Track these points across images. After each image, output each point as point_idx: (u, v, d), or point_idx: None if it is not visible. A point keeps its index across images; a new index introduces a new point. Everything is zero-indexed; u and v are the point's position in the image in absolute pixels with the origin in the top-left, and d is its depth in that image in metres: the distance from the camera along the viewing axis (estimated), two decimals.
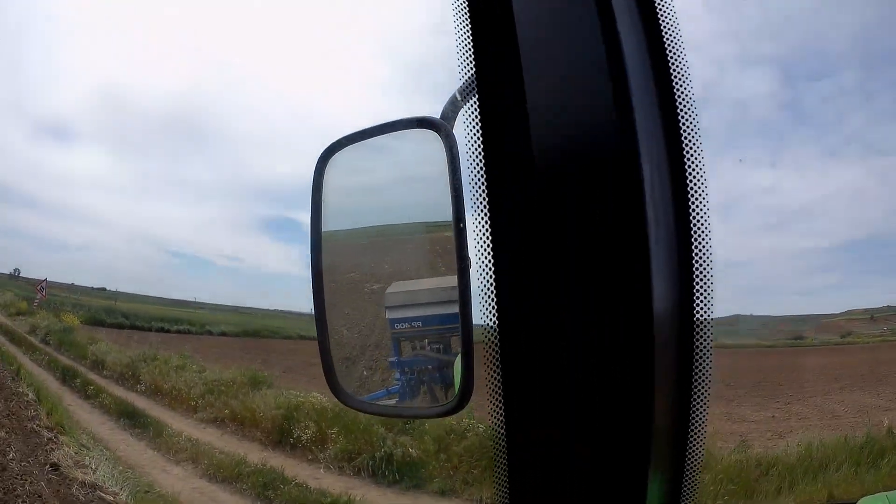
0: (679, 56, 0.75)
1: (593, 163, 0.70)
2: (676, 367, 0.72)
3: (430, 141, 1.11)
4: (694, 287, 0.72)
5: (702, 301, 0.72)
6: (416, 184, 1.30)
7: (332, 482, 9.64)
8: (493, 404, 0.72)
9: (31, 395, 13.57)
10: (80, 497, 8.51)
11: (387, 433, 10.05)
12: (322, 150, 1.27)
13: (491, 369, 0.72)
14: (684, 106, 0.74)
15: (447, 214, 1.10)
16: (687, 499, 0.77)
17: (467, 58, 0.76)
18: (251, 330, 27.84)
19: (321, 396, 11.19)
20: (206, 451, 10.89)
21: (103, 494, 8.79)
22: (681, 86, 0.75)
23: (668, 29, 0.75)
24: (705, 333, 0.72)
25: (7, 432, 10.51)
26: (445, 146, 1.09)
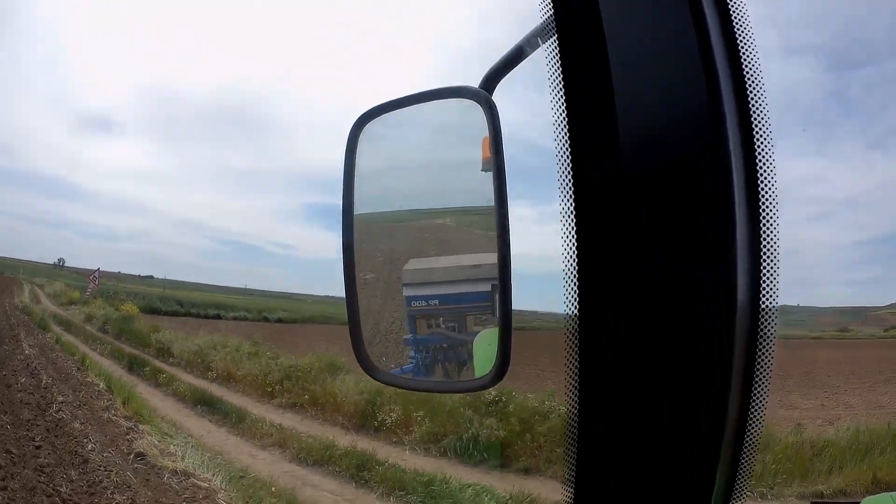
0: (753, 46, 0.73)
1: (685, 149, 0.69)
2: (745, 359, 0.71)
3: (469, 110, 1.07)
4: (761, 278, 0.71)
5: (769, 293, 0.71)
6: (449, 163, 1.28)
7: (419, 463, 9.89)
8: (569, 388, 0.72)
9: (101, 385, 13.71)
10: (174, 485, 8.51)
11: (473, 415, 10.23)
12: (357, 118, 1.23)
13: (569, 355, 0.71)
14: (757, 94, 0.73)
15: (468, 200, 1.14)
16: (740, 492, 0.77)
17: (547, 21, 0.72)
18: (307, 316, 27.91)
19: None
20: (291, 436, 11.06)
21: (197, 481, 8.79)
22: (755, 74, 0.73)
23: (743, 20, 0.74)
24: (772, 326, 0.72)
25: (82, 423, 10.60)
26: (487, 117, 1.05)
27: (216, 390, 14.30)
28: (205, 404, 13.22)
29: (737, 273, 0.68)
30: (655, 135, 0.69)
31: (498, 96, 1.18)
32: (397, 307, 1.31)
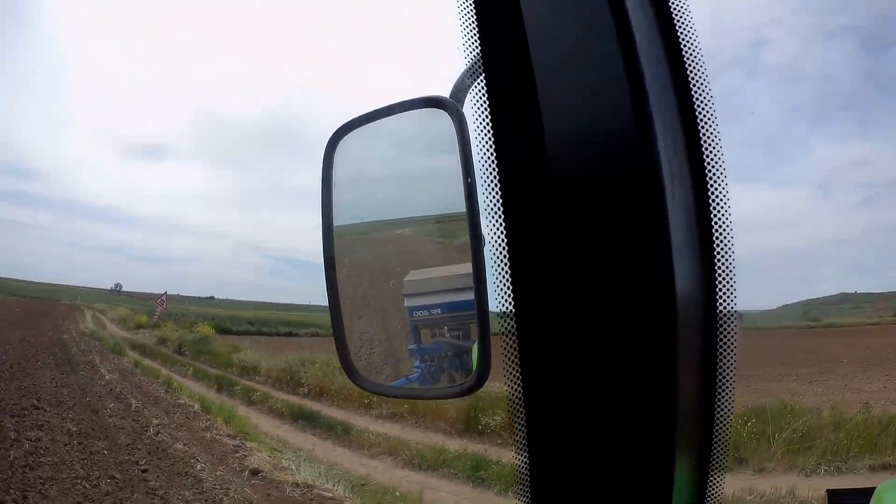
0: (692, 39, 0.74)
1: (609, 146, 0.68)
2: (702, 357, 0.72)
3: (440, 120, 1.08)
4: (717, 277, 0.71)
5: (725, 291, 0.71)
6: (423, 171, 1.27)
7: None
8: (512, 391, 0.72)
9: (196, 406, 13.91)
10: (297, 497, 8.60)
11: None
12: (331, 135, 1.24)
13: (509, 357, 0.71)
14: (698, 88, 0.73)
15: (443, 207, 1.12)
16: (713, 487, 0.77)
17: (472, 39, 0.74)
18: None
19: (502, 386, 11.53)
20: (399, 444, 11.41)
21: (321, 492, 8.88)
22: (694, 69, 0.73)
23: (681, 17, 0.75)
24: (730, 324, 0.72)
25: (184, 444, 10.63)
26: (455, 125, 1.07)
27: (312, 405, 14.61)
28: (304, 419, 13.54)
29: (673, 269, 0.68)
30: (582, 149, 0.69)
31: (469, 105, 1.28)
32: (365, 328, 1.31)
